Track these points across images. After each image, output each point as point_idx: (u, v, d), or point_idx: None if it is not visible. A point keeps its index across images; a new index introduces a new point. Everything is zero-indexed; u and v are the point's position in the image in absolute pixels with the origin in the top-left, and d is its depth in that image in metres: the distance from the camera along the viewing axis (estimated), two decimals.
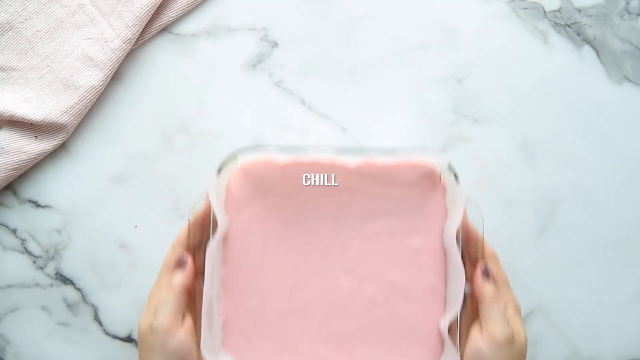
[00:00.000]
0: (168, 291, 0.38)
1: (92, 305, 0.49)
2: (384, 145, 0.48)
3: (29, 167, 0.48)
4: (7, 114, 0.47)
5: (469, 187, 0.49)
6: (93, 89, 0.48)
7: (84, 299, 0.49)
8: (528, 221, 0.49)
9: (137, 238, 0.49)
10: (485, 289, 0.38)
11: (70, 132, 0.49)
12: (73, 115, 0.48)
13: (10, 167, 0.47)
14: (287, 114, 0.50)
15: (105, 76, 0.48)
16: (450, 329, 0.39)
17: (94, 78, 0.48)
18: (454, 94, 0.50)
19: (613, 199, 0.49)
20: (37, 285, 0.49)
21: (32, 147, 0.48)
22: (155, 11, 0.50)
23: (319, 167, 0.41)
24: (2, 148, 0.47)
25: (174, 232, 0.49)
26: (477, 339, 0.38)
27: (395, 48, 0.50)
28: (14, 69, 0.48)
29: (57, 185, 0.49)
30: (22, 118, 0.47)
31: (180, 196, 0.49)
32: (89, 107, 0.49)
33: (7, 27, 0.48)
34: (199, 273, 0.40)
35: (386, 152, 0.41)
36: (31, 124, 0.48)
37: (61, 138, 0.48)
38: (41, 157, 0.48)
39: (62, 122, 0.48)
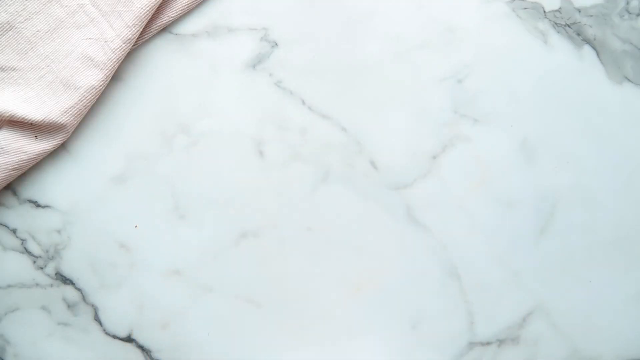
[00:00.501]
0: None
1: (92, 305, 0.49)
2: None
3: (29, 167, 0.48)
4: (7, 114, 0.47)
5: (469, 187, 0.49)
6: (93, 89, 0.48)
7: (84, 299, 0.49)
8: (528, 221, 0.49)
9: (137, 238, 0.49)
10: None
11: (71, 132, 0.49)
12: (73, 115, 0.48)
13: (10, 167, 0.47)
14: (287, 114, 0.50)
15: (105, 76, 0.48)
16: None
17: (94, 78, 0.48)
18: (454, 94, 0.50)
19: (613, 199, 0.49)
20: (37, 285, 0.49)
21: (32, 147, 0.48)
22: (155, 11, 0.49)
23: None
24: (2, 148, 0.47)
25: (174, 231, 0.49)
26: None
27: (395, 48, 0.50)
28: (14, 69, 0.48)
29: (57, 185, 0.49)
30: (22, 118, 0.47)
31: (180, 196, 0.49)
32: (89, 107, 0.49)
33: (7, 27, 0.48)
34: None
35: None
36: (31, 124, 0.48)
37: (61, 138, 0.48)
38: (41, 157, 0.48)
39: (62, 122, 0.48)
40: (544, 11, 0.50)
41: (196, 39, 0.50)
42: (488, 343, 0.49)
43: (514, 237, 0.49)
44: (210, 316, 0.49)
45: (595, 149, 0.49)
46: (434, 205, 0.49)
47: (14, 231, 0.49)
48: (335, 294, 0.49)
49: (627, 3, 0.51)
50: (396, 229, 0.49)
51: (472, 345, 0.49)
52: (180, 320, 0.49)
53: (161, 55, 0.50)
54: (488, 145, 0.49)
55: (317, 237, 0.49)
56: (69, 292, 0.49)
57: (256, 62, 0.50)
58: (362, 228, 0.49)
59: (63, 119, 0.48)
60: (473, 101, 0.50)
